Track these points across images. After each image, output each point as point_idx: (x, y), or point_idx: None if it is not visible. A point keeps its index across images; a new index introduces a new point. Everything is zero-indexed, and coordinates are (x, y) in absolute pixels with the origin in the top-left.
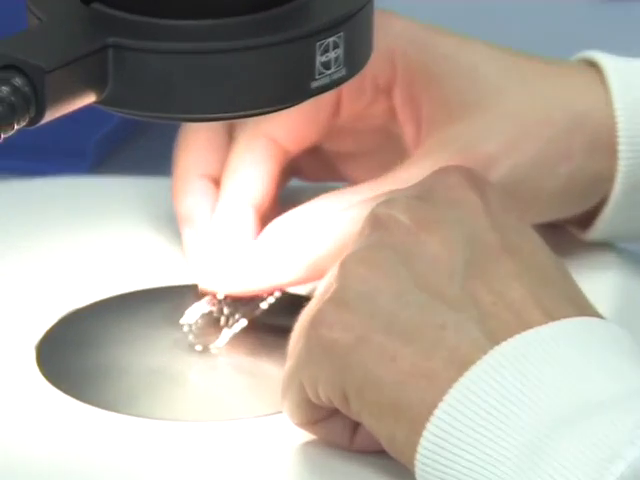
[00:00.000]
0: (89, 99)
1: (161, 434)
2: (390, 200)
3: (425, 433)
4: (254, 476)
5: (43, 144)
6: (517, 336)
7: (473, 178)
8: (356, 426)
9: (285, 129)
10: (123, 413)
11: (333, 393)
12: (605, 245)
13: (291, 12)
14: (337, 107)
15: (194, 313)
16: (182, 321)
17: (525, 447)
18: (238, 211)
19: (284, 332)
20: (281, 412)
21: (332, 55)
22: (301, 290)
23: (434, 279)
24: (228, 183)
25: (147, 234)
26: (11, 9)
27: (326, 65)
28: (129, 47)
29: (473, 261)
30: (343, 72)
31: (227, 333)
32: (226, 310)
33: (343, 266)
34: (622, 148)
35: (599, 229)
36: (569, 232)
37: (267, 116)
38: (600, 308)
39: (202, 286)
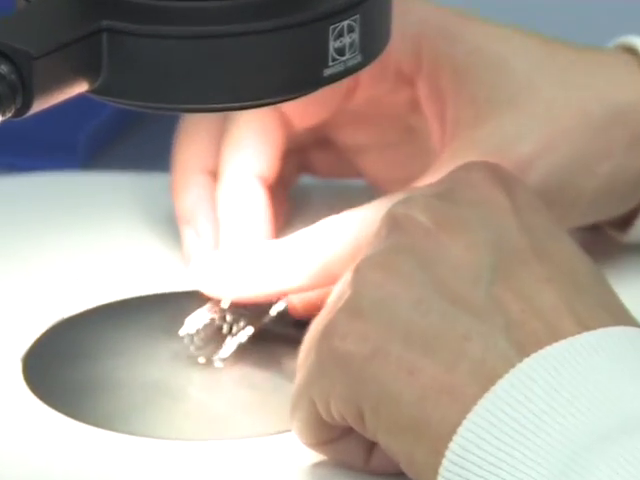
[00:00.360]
0: (81, 88)
1: (159, 453)
2: (408, 199)
3: (447, 453)
4: None
5: (30, 137)
6: (548, 347)
7: (499, 174)
8: (371, 446)
9: (294, 104)
10: (118, 431)
11: (347, 410)
12: None
13: None
14: (353, 88)
15: (195, 322)
16: (182, 331)
17: (557, 468)
18: (244, 184)
19: (294, 343)
20: (290, 431)
21: (347, 40)
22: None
23: (456, 285)
24: (229, 154)
25: (143, 235)
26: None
27: (340, 51)
28: (125, 31)
29: (499, 265)
30: (358, 59)
31: (231, 343)
32: (230, 318)
33: (357, 271)
34: None
35: None
36: (605, 234)
37: None
38: (638, 317)
39: (204, 292)
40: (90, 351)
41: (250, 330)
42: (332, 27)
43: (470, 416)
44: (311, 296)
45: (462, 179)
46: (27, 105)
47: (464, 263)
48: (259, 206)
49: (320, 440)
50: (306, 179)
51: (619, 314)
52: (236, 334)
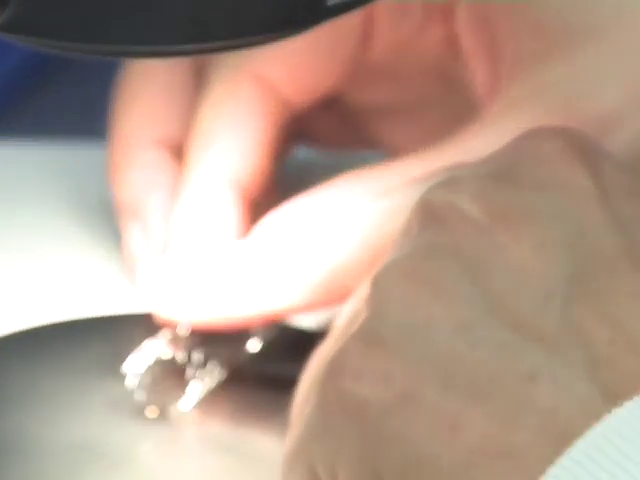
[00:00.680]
0: None
1: None
2: (451, 181)
3: None
4: None
5: None
6: None
7: (580, 145)
8: None
9: (286, 68)
10: None
11: (361, 479)
12: None
13: None
14: (368, 36)
15: (144, 357)
16: (125, 370)
17: None
18: (213, 194)
19: (285, 386)
20: None
21: None
22: (310, 321)
23: (518, 303)
24: (197, 151)
25: (67, 231)
26: None
27: None
28: None
29: (580, 276)
30: None
31: (195, 389)
32: (194, 352)
33: (377, 283)
34: None
35: None
36: None
37: (256, 50)
38: None
39: (156, 314)
40: None
41: (221, 373)
42: None
43: None
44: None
45: (527, 152)
46: None
47: (530, 273)
48: (227, 236)
49: None
50: (303, 153)
51: None
52: (203, 375)
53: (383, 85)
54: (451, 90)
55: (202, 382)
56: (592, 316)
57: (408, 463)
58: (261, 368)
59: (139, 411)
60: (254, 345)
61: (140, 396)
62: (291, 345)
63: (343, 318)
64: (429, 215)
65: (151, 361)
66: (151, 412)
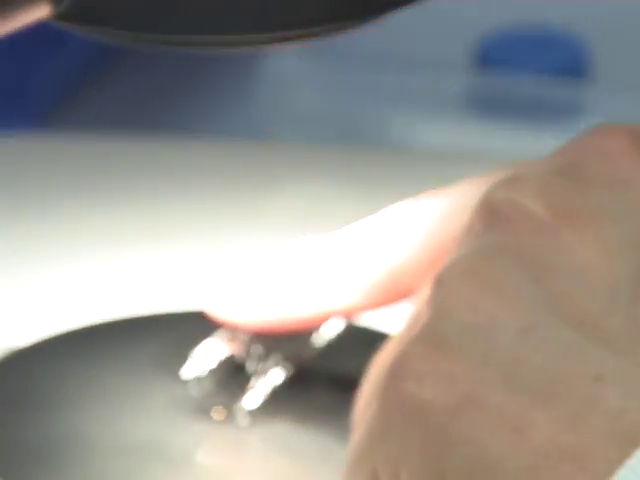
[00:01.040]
0: (38, 12)
1: None
2: (515, 178)
3: None
4: None
5: None
6: None
7: None
8: None
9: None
10: None
11: None
12: None
13: None
14: None
15: (205, 357)
16: (186, 369)
17: None
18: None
19: (349, 386)
20: None
21: None
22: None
23: (584, 304)
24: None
25: (126, 227)
26: None
27: None
28: None
29: None
30: None
31: (258, 389)
32: (257, 353)
33: (440, 284)
34: None
35: None
36: None
37: None
38: None
39: (213, 315)
40: (50, 398)
41: (285, 369)
42: None
43: None
44: None
45: (592, 149)
46: None
47: (596, 273)
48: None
49: None
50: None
51: None
52: (265, 375)
53: None
54: None
55: (265, 382)
56: None
57: (473, 466)
58: (326, 368)
59: (200, 411)
60: (318, 344)
61: (201, 396)
62: (357, 344)
63: (405, 319)
64: (492, 214)
65: (213, 360)
66: (213, 412)
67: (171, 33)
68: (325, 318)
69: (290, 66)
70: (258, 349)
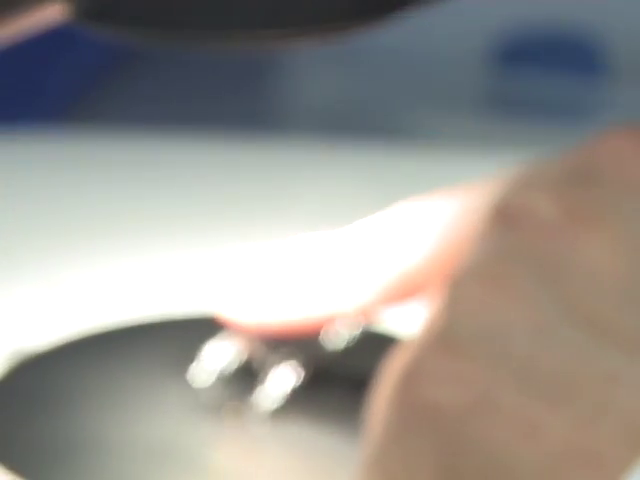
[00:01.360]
0: (53, 12)
1: None
2: (528, 182)
3: None
4: None
5: None
6: None
7: None
8: None
9: None
10: None
11: None
12: None
13: None
14: None
15: (220, 359)
16: (201, 371)
17: None
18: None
19: (364, 389)
20: None
21: None
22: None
23: (597, 305)
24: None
25: (140, 226)
26: None
27: None
28: None
29: None
30: None
31: (273, 391)
32: (272, 354)
33: (454, 286)
34: None
35: None
36: None
37: None
38: None
39: (224, 318)
40: (66, 401)
41: (300, 371)
42: None
43: None
44: None
45: (603, 151)
46: None
47: (607, 273)
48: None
49: None
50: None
51: None
52: (280, 376)
53: None
54: None
55: (278, 383)
56: None
57: (487, 468)
58: (341, 370)
59: (214, 413)
60: (332, 346)
61: (215, 398)
62: (372, 347)
63: (419, 322)
64: (505, 216)
65: (226, 363)
66: (227, 414)
67: (184, 30)
68: (335, 318)
69: (307, 63)
70: (271, 351)
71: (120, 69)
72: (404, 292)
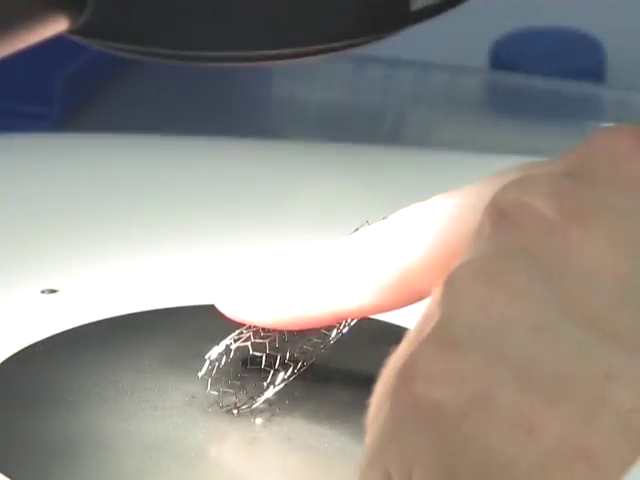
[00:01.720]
0: (58, 26)
1: None
2: (524, 179)
3: None
4: None
5: None
6: None
7: None
8: None
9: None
10: None
11: None
12: None
13: None
14: None
15: (220, 354)
16: (201, 365)
17: None
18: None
19: (364, 383)
20: None
21: None
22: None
23: (593, 303)
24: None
25: (141, 219)
26: None
27: None
28: None
29: None
30: None
31: (273, 386)
32: (271, 349)
33: (450, 284)
34: None
35: None
36: None
37: None
38: None
39: (225, 314)
40: (64, 395)
41: (300, 366)
42: None
43: None
44: None
45: (600, 150)
46: None
47: (604, 271)
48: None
49: None
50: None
51: None
52: (280, 372)
53: None
54: None
55: (280, 378)
56: None
57: (484, 466)
58: (341, 364)
59: (216, 408)
60: (332, 342)
61: (216, 393)
62: (372, 339)
63: (416, 321)
64: (502, 215)
65: (227, 357)
66: (228, 409)
67: (187, 49)
68: (336, 318)
69: (305, 65)
70: (273, 346)
71: (121, 69)
72: (405, 295)
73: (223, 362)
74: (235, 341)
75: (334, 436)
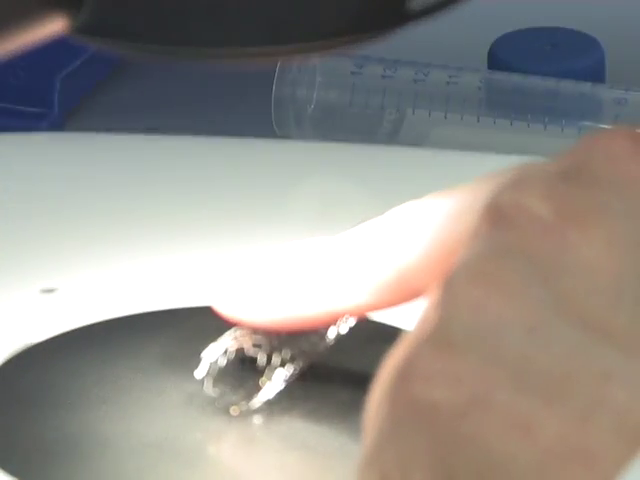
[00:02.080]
0: (55, 26)
1: None
2: (520, 180)
3: None
4: None
5: None
6: None
7: None
8: None
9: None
10: None
11: None
12: None
13: None
14: None
15: (218, 353)
16: (199, 365)
17: None
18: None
19: (363, 382)
20: None
21: None
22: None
23: (590, 303)
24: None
25: (142, 219)
26: None
27: None
28: None
29: None
30: None
31: (272, 385)
32: (269, 348)
33: (447, 285)
34: None
35: None
36: None
37: None
38: None
39: (222, 314)
40: (64, 395)
41: (298, 365)
42: None
43: None
44: None
45: (597, 150)
46: None
47: (602, 272)
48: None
49: None
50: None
51: None
52: (279, 370)
53: None
54: None
55: (278, 378)
56: None
57: (481, 466)
58: (340, 363)
59: (214, 408)
60: (331, 342)
61: (215, 393)
62: (370, 339)
63: (415, 318)
64: (498, 215)
65: (225, 356)
66: (226, 409)
67: (187, 46)
68: (333, 318)
69: (304, 62)
70: (271, 346)
71: (120, 68)
72: (402, 294)
73: (221, 362)
74: (232, 341)
75: (333, 436)
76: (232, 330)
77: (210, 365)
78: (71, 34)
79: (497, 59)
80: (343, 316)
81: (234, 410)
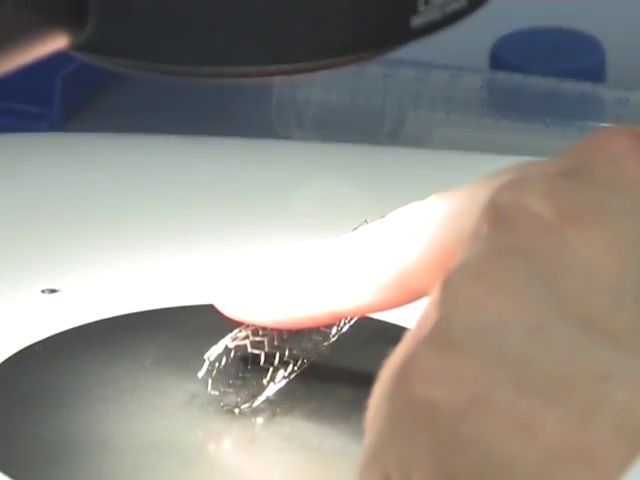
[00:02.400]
0: (57, 43)
1: None
2: (521, 180)
3: None
4: None
5: None
6: None
7: None
8: None
9: None
10: None
11: None
12: None
13: None
14: None
15: (219, 353)
16: (201, 365)
17: None
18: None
19: (364, 382)
20: None
21: None
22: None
23: (591, 303)
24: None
25: (143, 219)
26: None
27: None
28: None
29: None
30: (462, 2)
31: (273, 385)
32: (271, 348)
33: (447, 285)
34: None
35: None
36: None
37: None
38: None
39: (223, 312)
40: (64, 395)
41: (300, 364)
42: None
43: None
44: None
45: (597, 150)
46: None
47: (602, 272)
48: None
49: None
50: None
51: None
52: (280, 370)
53: None
54: None
55: (280, 377)
56: None
57: (483, 466)
58: (342, 362)
59: (215, 407)
60: (332, 341)
61: (217, 392)
62: (372, 338)
63: (416, 318)
64: (498, 215)
65: (227, 356)
66: (228, 408)
67: (188, 65)
68: (335, 318)
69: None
70: (272, 345)
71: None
72: (403, 294)
73: (223, 362)
74: (234, 340)
75: (334, 435)
76: (236, 329)
77: (212, 365)
78: (73, 51)
79: (499, 59)
80: (344, 316)
81: (236, 410)
